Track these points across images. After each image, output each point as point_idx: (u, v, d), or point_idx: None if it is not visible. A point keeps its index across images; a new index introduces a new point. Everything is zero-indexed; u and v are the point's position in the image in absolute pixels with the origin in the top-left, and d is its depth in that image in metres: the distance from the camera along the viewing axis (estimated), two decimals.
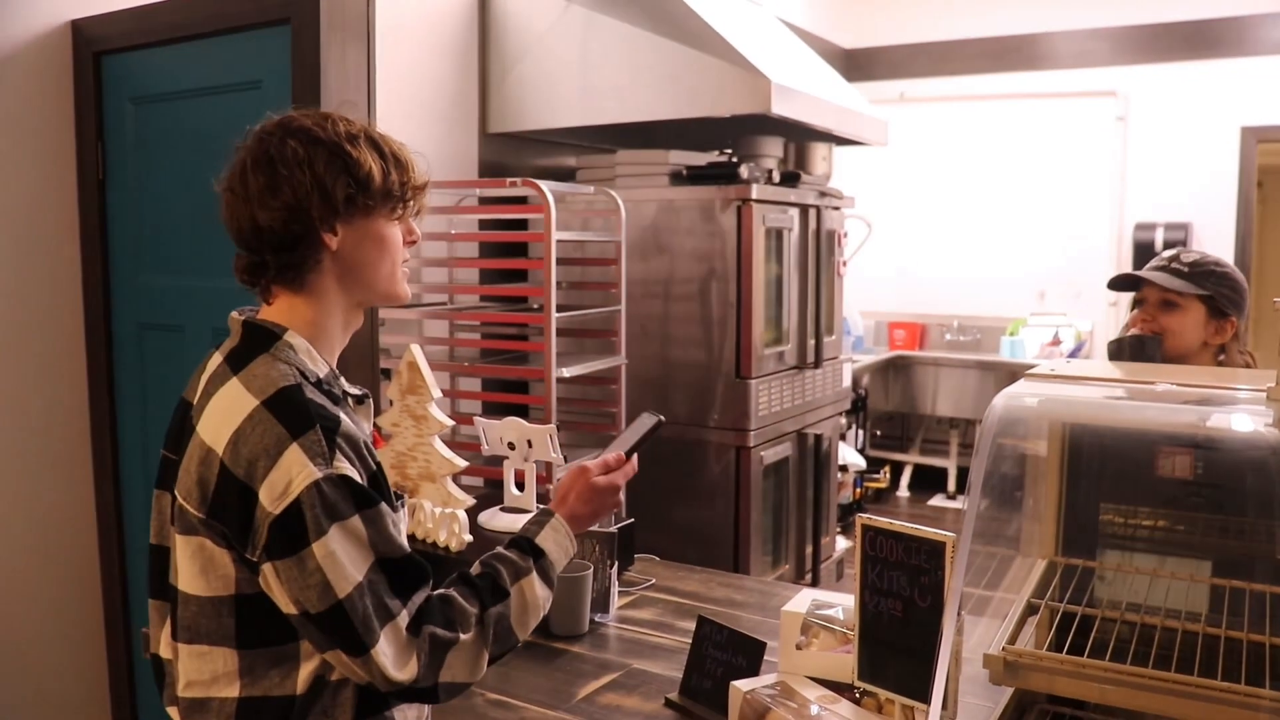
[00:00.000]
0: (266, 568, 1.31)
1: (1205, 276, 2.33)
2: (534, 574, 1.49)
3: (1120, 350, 2.33)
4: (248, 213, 1.41)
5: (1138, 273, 2.41)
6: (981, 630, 1.62)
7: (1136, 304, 2.44)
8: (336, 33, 2.46)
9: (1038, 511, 1.88)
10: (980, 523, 1.55)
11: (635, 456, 1.72)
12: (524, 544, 1.53)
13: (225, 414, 1.35)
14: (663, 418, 1.79)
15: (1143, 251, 6.38)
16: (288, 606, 1.31)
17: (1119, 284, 2.47)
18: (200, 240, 2.73)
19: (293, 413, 1.33)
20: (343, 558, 1.29)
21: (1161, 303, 2.36)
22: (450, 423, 2.38)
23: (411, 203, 1.50)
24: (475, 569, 1.48)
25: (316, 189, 1.40)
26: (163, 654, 1.50)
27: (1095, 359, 6.58)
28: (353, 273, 1.47)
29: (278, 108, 1.51)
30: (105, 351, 2.95)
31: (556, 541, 1.56)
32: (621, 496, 1.69)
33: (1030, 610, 1.70)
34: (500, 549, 1.52)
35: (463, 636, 1.37)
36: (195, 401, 1.44)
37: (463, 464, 2.38)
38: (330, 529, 1.29)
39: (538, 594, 1.49)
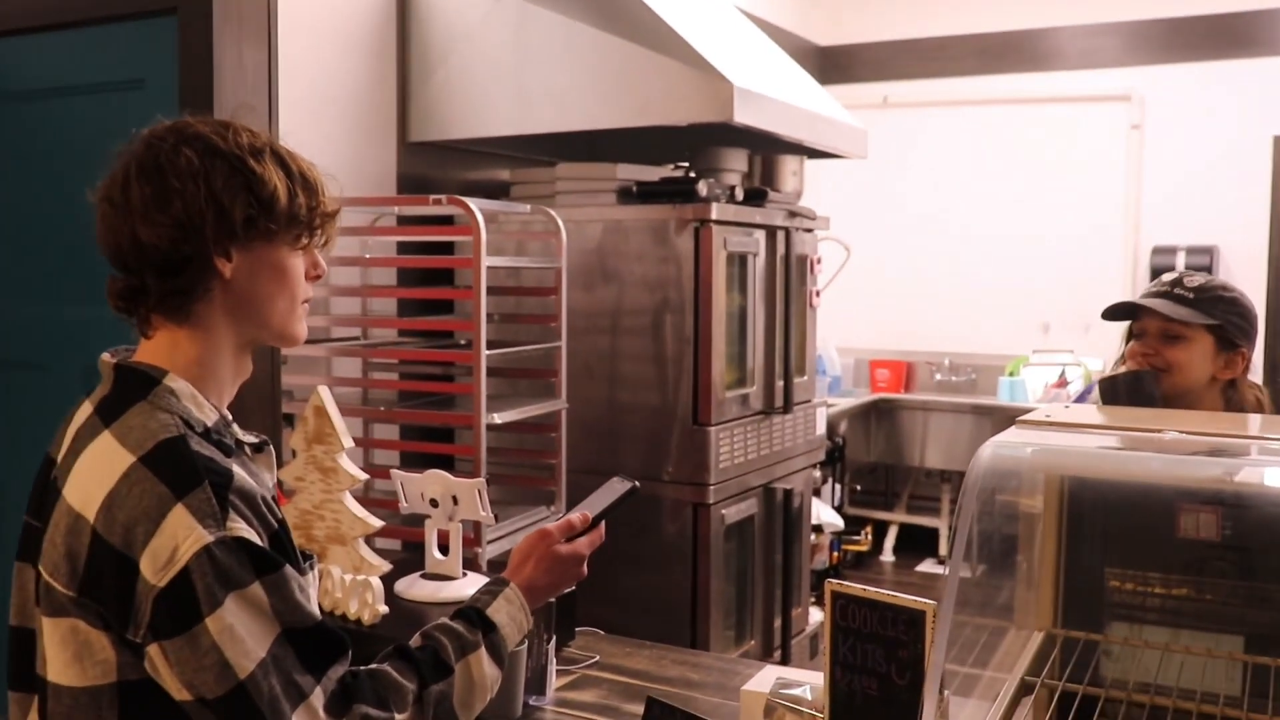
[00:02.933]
0: (153, 649, 1.31)
1: (1213, 303, 2.37)
2: (482, 649, 1.52)
3: (1115, 391, 2.36)
4: (128, 227, 1.42)
5: (1137, 300, 2.45)
6: (969, 712, 1.66)
7: (1133, 335, 2.48)
8: (232, 25, 2.48)
9: (1033, 577, 1.92)
10: (967, 589, 1.59)
11: (603, 525, 1.75)
12: (473, 615, 1.56)
13: (97, 473, 1.36)
14: (637, 484, 1.83)
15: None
16: (180, 692, 1.32)
17: (1117, 313, 2.50)
18: (69, 263, 2.73)
19: (176, 468, 1.34)
20: (242, 632, 1.30)
21: (1164, 334, 2.40)
22: (363, 476, 2.39)
23: (319, 231, 1.53)
24: (415, 641, 1.51)
25: (212, 206, 1.41)
26: None
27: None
28: (245, 306, 1.49)
29: (163, 110, 1.53)
30: None
31: (510, 614, 1.59)
32: (585, 568, 1.72)
33: (1025, 689, 1.73)
34: (445, 620, 1.55)
35: (398, 717, 1.40)
36: (60, 459, 1.45)
37: (378, 524, 2.39)
38: (226, 600, 1.30)
39: (485, 672, 1.51)
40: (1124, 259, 6.82)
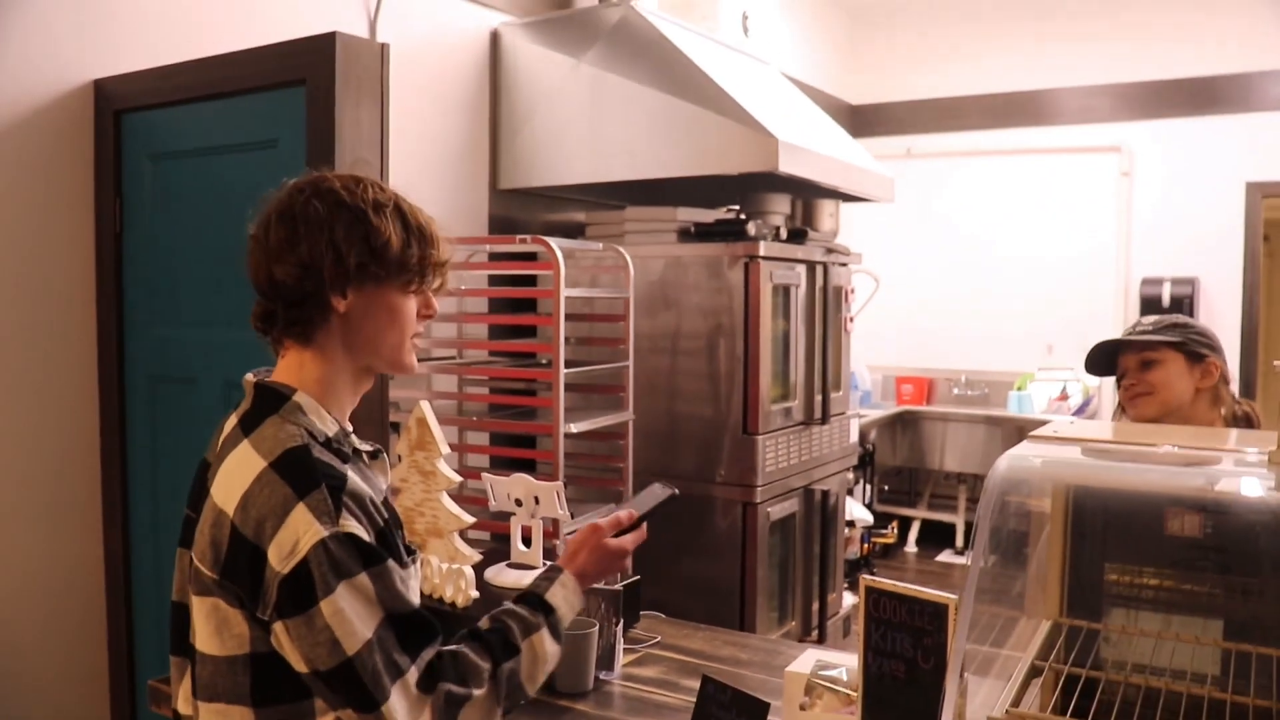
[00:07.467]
0: (278, 626, 1.33)
1: (1170, 329, 2.42)
2: (544, 629, 1.51)
3: None
4: (266, 263, 1.45)
5: (1107, 340, 2.50)
6: (985, 691, 1.63)
7: (1120, 381, 2.50)
8: (350, 92, 2.50)
9: (1042, 572, 1.89)
10: (985, 582, 1.56)
11: (645, 525, 1.74)
12: (533, 600, 1.55)
13: (236, 476, 1.39)
14: (676, 490, 1.81)
15: (1149, 305, 6.40)
16: (299, 665, 1.33)
17: (1096, 364, 2.54)
18: (214, 293, 2.76)
19: (299, 473, 1.36)
20: (351, 615, 1.31)
21: (1140, 364, 2.43)
22: (458, 479, 2.39)
23: (429, 278, 1.53)
24: (485, 624, 1.50)
25: (331, 251, 1.43)
26: (182, 710, 1.52)
27: (1104, 413, 6.58)
28: (358, 337, 1.50)
29: (292, 166, 1.55)
30: (118, 402, 2.97)
31: (565, 598, 1.58)
32: (628, 562, 1.71)
33: (1034, 672, 1.70)
34: (509, 604, 1.55)
35: (476, 692, 1.39)
36: (212, 463, 1.48)
37: (470, 520, 2.39)
38: (338, 587, 1.31)
39: (547, 649, 1.51)
40: (1117, 288, 6.77)
